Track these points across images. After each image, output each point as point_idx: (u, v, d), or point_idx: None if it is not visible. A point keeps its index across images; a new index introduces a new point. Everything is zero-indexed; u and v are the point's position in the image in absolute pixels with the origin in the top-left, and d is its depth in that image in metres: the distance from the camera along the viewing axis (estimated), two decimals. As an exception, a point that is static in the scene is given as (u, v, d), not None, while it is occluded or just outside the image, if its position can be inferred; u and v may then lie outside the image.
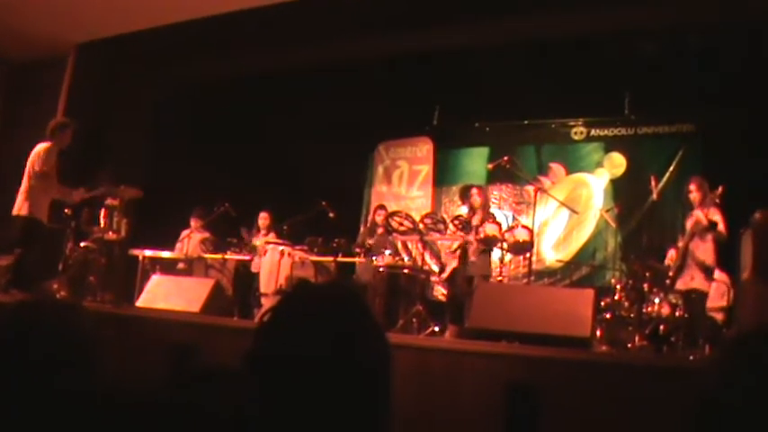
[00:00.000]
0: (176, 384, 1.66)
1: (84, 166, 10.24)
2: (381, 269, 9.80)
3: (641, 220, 11.03)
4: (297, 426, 1.47)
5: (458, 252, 9.49)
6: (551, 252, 12.52)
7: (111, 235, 9.59)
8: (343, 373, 1.50)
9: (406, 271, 9.91)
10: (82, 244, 9.63)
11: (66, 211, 9.35)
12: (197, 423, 1.52)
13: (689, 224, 8.30)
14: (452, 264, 9.67)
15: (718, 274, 8.51)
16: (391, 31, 10.22)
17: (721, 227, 8.00)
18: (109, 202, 9.54)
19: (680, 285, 8.29)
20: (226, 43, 10.71)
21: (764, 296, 7.21)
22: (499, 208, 12.52)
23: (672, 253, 8.62)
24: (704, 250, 8.10)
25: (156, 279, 9.36)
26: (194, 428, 1.51)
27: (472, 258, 9.23)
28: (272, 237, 10.96)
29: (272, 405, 1.49)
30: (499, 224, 9.28)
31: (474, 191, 9.62)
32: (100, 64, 11.68)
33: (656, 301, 8.81)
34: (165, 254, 10.98)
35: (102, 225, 9.54)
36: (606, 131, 12.63)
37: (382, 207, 11.29)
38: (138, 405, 1.57)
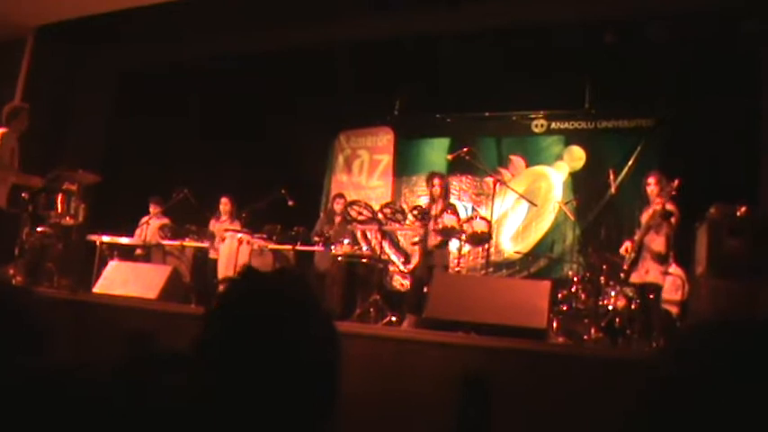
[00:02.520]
0: (129, 370, 1.64)
1: (43, 151, 10.13)
2: (339, 258, 9.80)
3: (599, 214, 11.12)
4: (246, 411, 1.47)
5: (419, 243, 9.51)
6: (510, 244, 12.57)
7: (68, 220, 9.48)
8: (289, 359, 1.51)
9: (364, 260, 9.92)
10: (39, 229, 9.50)
11: (22, 195, 9.23)
12: (148, 409, 1.51)
13: (644, 218, 8.39)
14: (417, 255, 9.71)
15: (673, 268, 8.60)
16: (354, 20, 10.21)
17: (673, 219, 8.11)
18: (66, 186, 9.43)
19: (635, 278, 8.37)
20: (186, 27, 10.63)
21: (718, 290, 7.29)
22: (459, 199, 12.52)
23: (627, 244, 8.69)
24: (659, 243, 8.19)
25: (113, 265, 9.30)
26: (145, 414, 1.50)
27: (431, 249, 9.24)
28: (230, 223, 10.92)
29: (221, 390, 1.49)
30: (458, 215, 9.28)
31: (435, 180, 9.62)
32: (59, 47, 11.54)
33: (612, 293, 8.89)
34: (123, 240, 10.88)
35: (59, 210, 9.41)
36: (566, 125, 12.69)
37: (341, 196, 11.28)
38: (89, 390, 1.55)
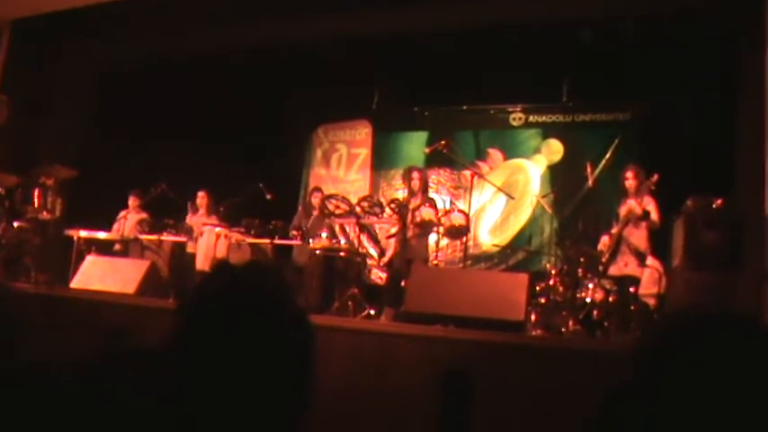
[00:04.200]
0: (105, 365, 1.63)
1: (20, 145, 10.05)
2: (317, 252, 9.78)
3: (577, 207, 11.15)
4: (220, 404, 1.47)
5: (397, 236, 9.51)
6: (488, 237, 12.59)
7: (45, 215, 9.43)
8: (263, 351, 1.51)
9: (342, 254, 9.90)
10: (15, 224, 9.44)
11: (-1, 190, 9.17)
12: (123, 403, 1.50)
13: (622, 211, 8.41)
14: (392, 248, 9.70)
15: (650, 260, 8.63)
16: (332, 14, 10.18)
17: (654, 215, 8.12)
18: (43, 181, 9.37)
19: (613, 271, 8.40)
20: (164, 23, 10.56)
21: (694, 282, 7.34)
22: (437, 192, 12.51)
23: (605, 239, 8.73)
24: (638, 237, 8.21)
25: (90, 260, 9.25)
26: (120, 409, 1.49)
27: (410, 242, 9.24)
28: (208, 217, 10.88)
29: (195, 384, 1.49)
30: (436, 208, 9.28)
31: (414, 174, 9.62)
32: (36, 41, 11.42)
33: (590, 286, 8.92)
34: (101, 234, 10.82)
35: (36, 205, 9.36)
36: (544, 118, 12.71)
37: (318, 189, 11.25)
38: (65, 386, 1.54)
